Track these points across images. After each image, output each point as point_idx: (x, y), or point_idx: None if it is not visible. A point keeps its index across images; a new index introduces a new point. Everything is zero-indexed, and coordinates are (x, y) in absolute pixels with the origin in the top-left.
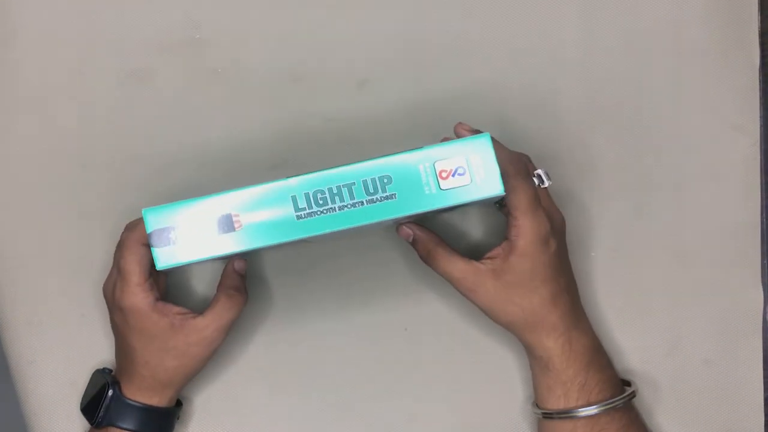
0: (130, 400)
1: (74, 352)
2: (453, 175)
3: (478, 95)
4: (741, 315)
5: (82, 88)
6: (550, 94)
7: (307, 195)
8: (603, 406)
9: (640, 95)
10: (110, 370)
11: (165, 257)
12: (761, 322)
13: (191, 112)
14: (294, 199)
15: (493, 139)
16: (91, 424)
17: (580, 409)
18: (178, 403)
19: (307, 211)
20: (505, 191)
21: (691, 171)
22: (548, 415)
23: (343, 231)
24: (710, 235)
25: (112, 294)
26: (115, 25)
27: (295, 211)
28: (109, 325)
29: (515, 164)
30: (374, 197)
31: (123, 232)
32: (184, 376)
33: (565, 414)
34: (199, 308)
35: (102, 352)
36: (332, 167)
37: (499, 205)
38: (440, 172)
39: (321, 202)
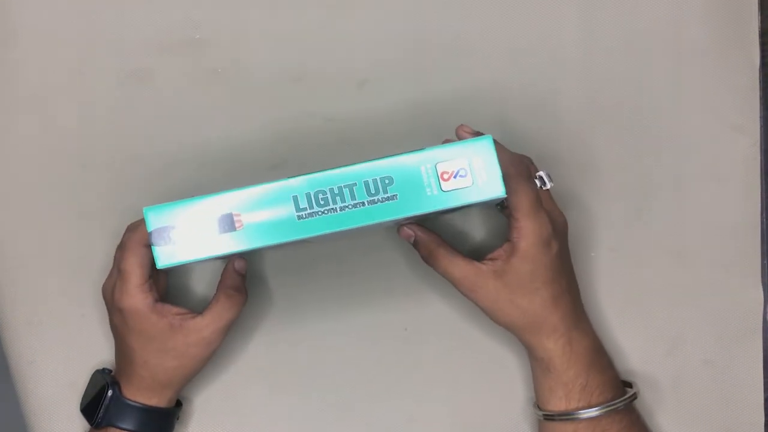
0: (130, 400)
1: (74, 352)
2: (455, 177)
3: (478, 95)
4: (741, 315)
5: (82, 88)
6: (550, 94)
7: (308, 195)
8: (604, 407)
9: (640, 95)
10: (110, 371)
11: (165, 256)
12: (761, 322)
13: (191, 112)
14: (295, 199)
15: (495, 141)
16: (91, 425)
17: (581, 411)
18: (178, 404)
19: (309, 211)
20: (507, 193)
21: (691, 171)
22: (549, 417)
23: (344, 231)
24: (710, 235)
25: (111, 295)
26: (115, 25)
27: (296, 211)
28: (109, 325)
29: (516, 166)
30: (375, 198)
31: (125, 233)
32: (183, 377)
33: (567, 416)
34: (199, 308)
35: (102, 353)
36: (334, 167)
37: (501, 206)
38: (442, 174)
39: (322, 202)
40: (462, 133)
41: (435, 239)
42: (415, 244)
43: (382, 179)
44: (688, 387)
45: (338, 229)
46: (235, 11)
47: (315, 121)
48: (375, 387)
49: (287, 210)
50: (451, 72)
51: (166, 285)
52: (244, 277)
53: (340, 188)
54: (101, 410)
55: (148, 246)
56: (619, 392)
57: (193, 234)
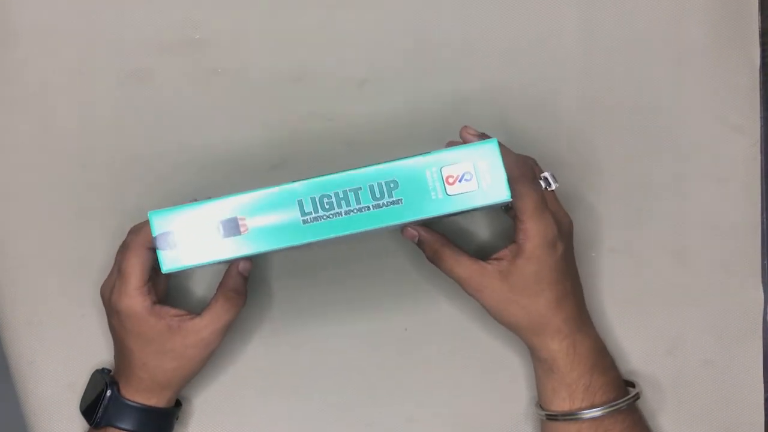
0: (129, 400)
1: (74, 352)
2: (460, 181)
3: (478, 95)
4: (741, 315)
5: (82, 88)
6: (550, 94)
7: (313, 199)
8: (607, 408)
9: (640, 95)
10: (109, 371)
11: (170, 260)
12: (761, 322)
13: (191, 113)
14: (300, 204)
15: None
16: (90, 425)
17: (584, 411)
18: (177, 404)
19: (314, 215)
20: (511, 196)
21: (691, 171)
22: (552, 417)
23: (349, 236)
24: (710, 235)
25: (109, 296)
26: (115, 25)
27: (302, 216)
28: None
29: (520, 168)
30: (380, 202)
31: (128, 235)
32: (182, 378)
33: (570, 416)
34: (198, 309)
35: (102, 353)
36: (338, 171)
37: (505, 208)
38: (447, 178)
39: (327, 206)
40: (466, 134)
41: (440, 239)
42: (420, 244)
43: (387, 183)
44: (688, 387)
45: (344, 233)
46: (235, 11)
47: (315, 121)
48: (375, 388)
49: (292, 214)
50: (451, 72)
51: (167, 287)
52: (246, 279)
53: (345, 192)
54: (100, 410)
55: (151, 248)
56: (622, 392)
57: (197, 238)
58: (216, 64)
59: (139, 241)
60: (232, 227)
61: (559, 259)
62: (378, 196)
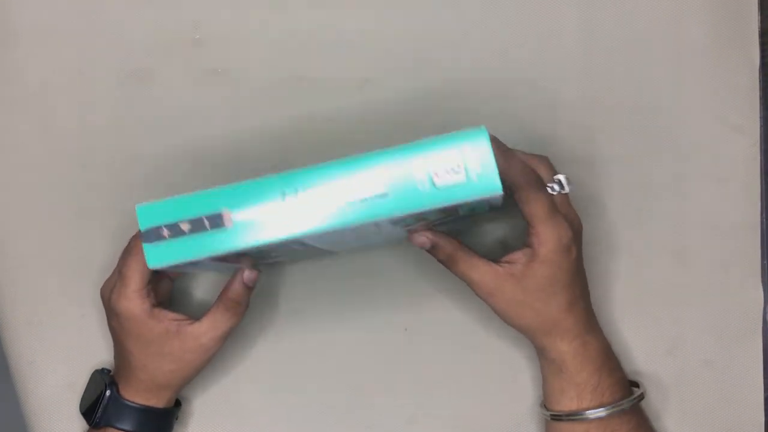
0: (128, 401)
1: (74, 352)
2: (448, 173)
3: (478, 95)
4: (741, 315)
5: (82, 88)
6: (550, 94)
7: (296, 190)
8: (612, 408)
9: (640, 95)
10: (109, 371)
11: (157, 256)
12: (761, 322)
13: (191, 112)
14: (284, 195)
15: (503, 145)
16: (90, 425)
17: (589, 411)
18: (177, 404)
19: (298, 206)
20: (520, 203)
21: (691, 171)
22: (557, 417)
23: (339, 236)
24: (710, 235)
25: (109, 297)
26: (115, 25)
27: (286, 207)
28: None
29: (526, 175)
30: (365, 196)
31: (131, 238)
32: (182, 379)
33: (576, 416)
34: (198, 314)
35: (102, 353)
36: (323, 163)
37: (507, 194)
38: (434, 170)
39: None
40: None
41: (452, 242)
42: (432, 250)
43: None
44: (689, 387)
45: (328, 228)
46: (235, 11)
47: (315, 121)
48: (375, 388)
49: (277, 207)
50: (451, 72)
51: (170, 291)
52: (249, 290)
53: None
54: (99, 410)
55: None
56: (628, 392)
57: (184, 232)
58: (216, 64)
59: (141, 244)
60: (217, 221)
61: (572, 262)
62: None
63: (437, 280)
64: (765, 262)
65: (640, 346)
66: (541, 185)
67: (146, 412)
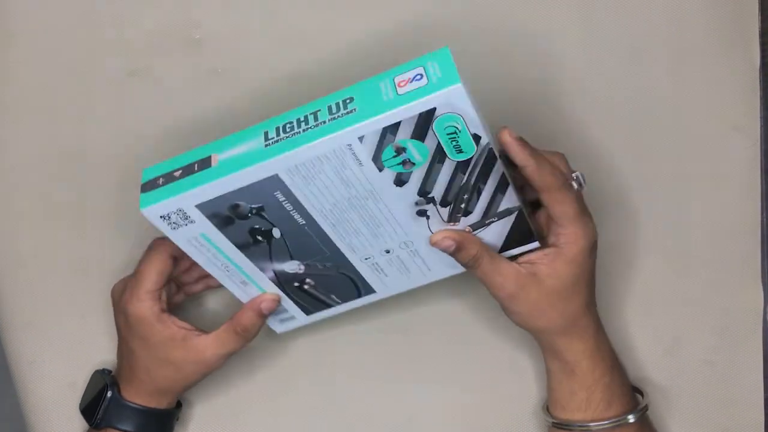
0: (129, 401)
1: (74, 352)
2: (411, 82)
3: (478, 95)
4: (741, 315)
5: (82, 88)
6: (550, 94)
7: (277, 128)
8: (614, 422)
9: (640, 95)
10: (110, 371)
11: (149, 199)
12: (761, 322)
13: (191, 113)
14: (265, 134)
15: (530, 146)
16: (90, 425)
17: (592, 423)
18: (178, 405)
19: (275, 139)
20: (547, 205)
21: (691, 171)
22: (559, 426)
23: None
24: (710, 236)
25: (120, 295)
26: (115, 25)
27: (264, 141)
28: (109, 325)
29: (557, 176)
30: (336, 115)
31: (156, 239)
32: (182, 387)
33: (580, 426)
34: (208, 328)
35: (102, 353)
36: (304, 105)
37: (505, 162)
38: (398, 83)
39: (288, 129)
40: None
41: (477, 242)
42: (457, 252)
43: (344, 101)
44: (688, 387)
45: (297, 147)
46: (235, 11)
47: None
48: (375, 387)
49: (257, 143)
50: None
51: (182, 302)
52: (263, 319)
53: (305, 116)
54: (100, 411)
55: (173, 257)
56: (633, 399)
57: (176, 178)
58: (216, 64)
59: (164, 247)
60: (205, 162)
61: (594, 262)
62: (335, 111)
63: (437, 280)
64: (765, 262)
65: (640, 346)
66: (569, 185)
67: (147, 413)
